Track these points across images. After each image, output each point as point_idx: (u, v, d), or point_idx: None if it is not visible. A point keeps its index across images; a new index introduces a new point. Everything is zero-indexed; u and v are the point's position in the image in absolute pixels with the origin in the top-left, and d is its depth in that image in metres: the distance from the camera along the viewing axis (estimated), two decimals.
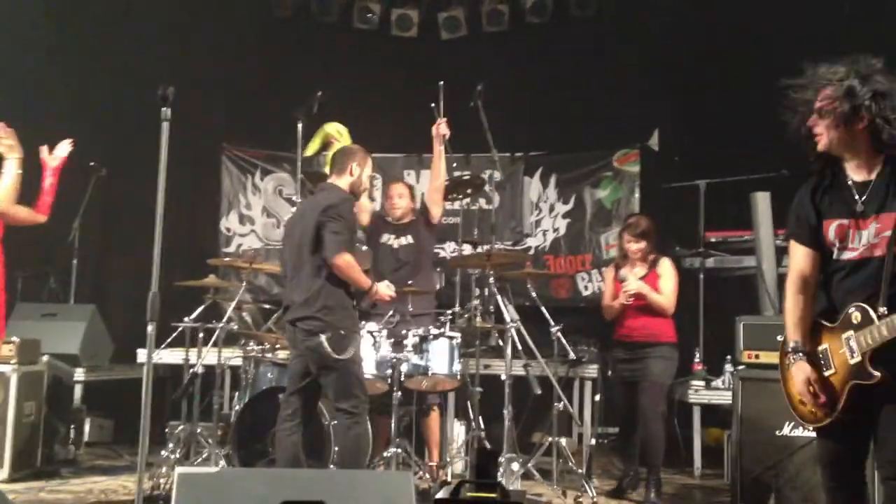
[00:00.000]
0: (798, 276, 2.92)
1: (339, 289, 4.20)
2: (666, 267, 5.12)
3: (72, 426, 5.79)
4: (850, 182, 2.81)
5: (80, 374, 6.16)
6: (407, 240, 5.40)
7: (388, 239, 5.41)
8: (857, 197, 2.77)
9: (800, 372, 2.82)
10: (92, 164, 6.60)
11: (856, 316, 2.70)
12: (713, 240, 6.60)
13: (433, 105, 5.46)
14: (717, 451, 5.94)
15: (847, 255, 2.80)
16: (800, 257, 2.93)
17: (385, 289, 4.46)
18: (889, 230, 2.70)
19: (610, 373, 5.59)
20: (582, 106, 7.57)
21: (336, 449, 4.45)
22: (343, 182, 4.41)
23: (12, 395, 5.08)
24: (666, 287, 5.06)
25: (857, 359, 2.68)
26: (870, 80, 2.70)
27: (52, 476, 5.30)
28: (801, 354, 2.84)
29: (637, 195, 7.81)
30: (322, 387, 4.27)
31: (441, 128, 5.33)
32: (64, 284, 7.11)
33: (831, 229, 2.82)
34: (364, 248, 5.79)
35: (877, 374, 2.64)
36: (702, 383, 5.97)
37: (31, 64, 6.93)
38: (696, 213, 6.57)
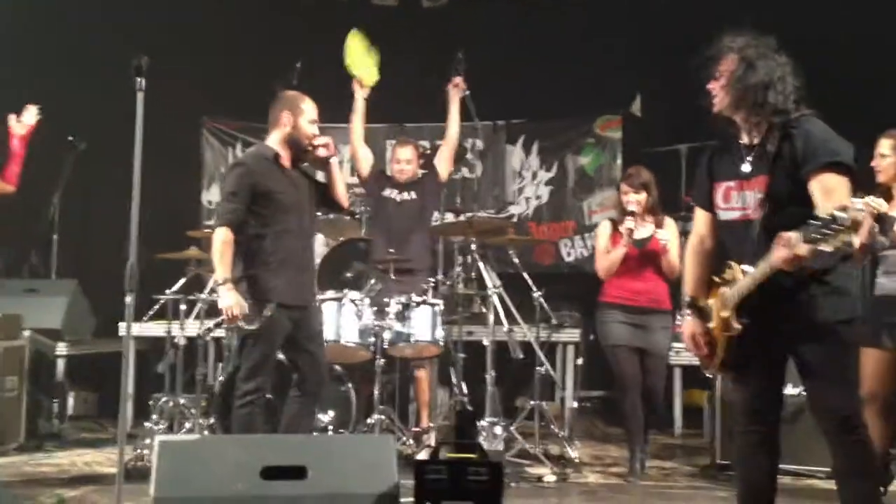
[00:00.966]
0: (696, 236, 3.12)
1: (249, 258, 3.93)
2: (672, 227, 4.90)
3: (55, 400, 5.79)
4: (740, 145, 2.91)
5: (62, 348, 6.14)
6: (410, 196, 5.41)
7: (391, 193, 5.43)
8: (744, 159, 2.87)
9: (687, 326, 3.02)
10: (71, 138, 6.53)
11: (729, 273, 2.86)
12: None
13: (450, 78, 5.49)
14: (697, 412, 6.01)
15: (728, 216, 2.92)
16: (698, 219, 3.12)
17: (227, 300, 3.82)
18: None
19: (592, 336, 5.62)
20: (564, 73, 7.51)
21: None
22: (274, 139, 4.07)
23: None
24: (673, 247, 4.81)
25: (727, 313, 2.82)
26: (765, 51, 2.83)
27: (36, 450, 5.30)
28: (689, 311, 3.02)
29: (619, 161, 7.79)
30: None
31: (456, 87, 5.39)
32: (45, 260, 7.06)
33: (720, 191, 2.94)
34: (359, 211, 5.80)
35: (737, 325, 2.78)
36: (683, 345, 6.00)
37: (6, 37, 6.84)
38: (678, 177, 6.60)
